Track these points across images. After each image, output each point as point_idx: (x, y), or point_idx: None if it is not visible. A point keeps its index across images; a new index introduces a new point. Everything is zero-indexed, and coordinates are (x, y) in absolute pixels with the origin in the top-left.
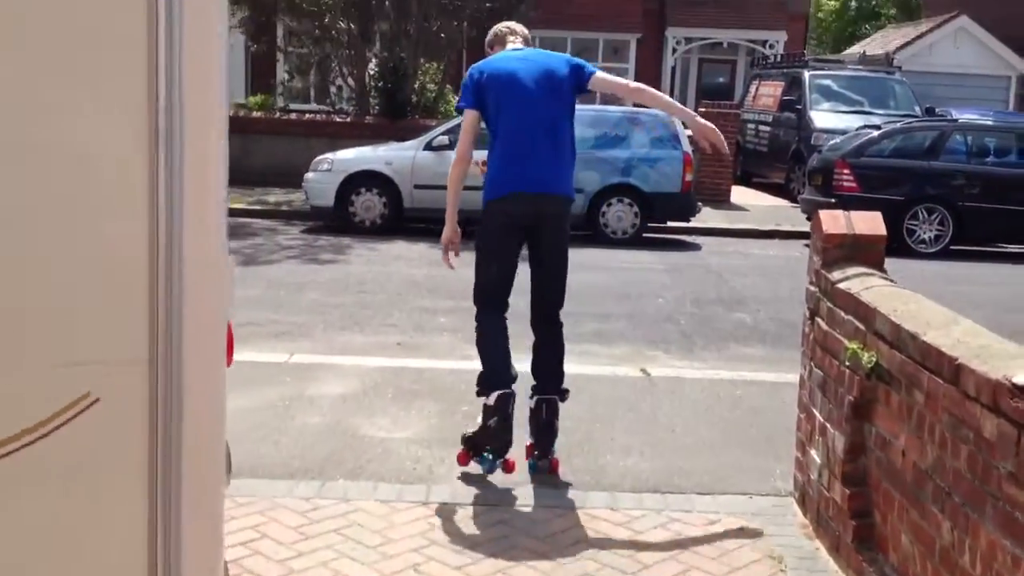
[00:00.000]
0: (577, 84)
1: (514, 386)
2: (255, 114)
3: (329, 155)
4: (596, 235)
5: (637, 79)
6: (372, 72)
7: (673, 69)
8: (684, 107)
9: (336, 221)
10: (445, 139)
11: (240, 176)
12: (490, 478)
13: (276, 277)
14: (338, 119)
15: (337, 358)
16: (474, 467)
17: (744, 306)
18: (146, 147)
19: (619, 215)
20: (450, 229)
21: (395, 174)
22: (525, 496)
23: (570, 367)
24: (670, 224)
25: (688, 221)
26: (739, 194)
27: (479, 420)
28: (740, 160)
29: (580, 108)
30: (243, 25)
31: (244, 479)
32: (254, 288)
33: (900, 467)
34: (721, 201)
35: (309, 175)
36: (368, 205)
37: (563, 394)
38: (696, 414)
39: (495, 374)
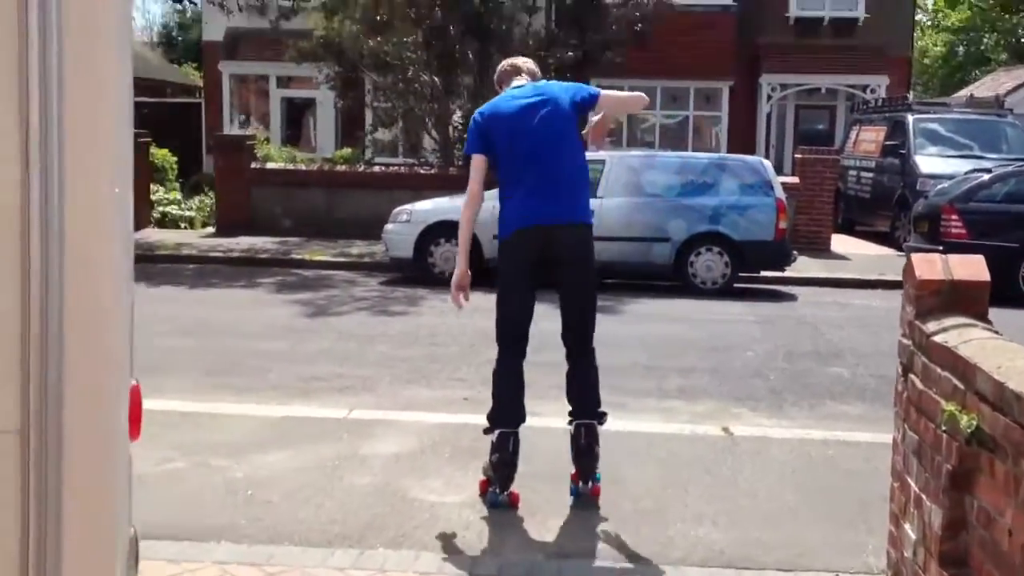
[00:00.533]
0: (582, 107)
1: (521, 427)
2: (339, 168)
3: (408, 206)
4: (685, 285)
5: (730, 127)
6: (456, 124)
7: (768, 116)
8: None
9: (415, 272)
10: None
11: (325, 229)
12: (544, 546)
13: (346, 329)
14: (422, 171)
15: (398, 414)
16: (524, 536)
17: (841, 360)
18: (17, 172)
19: (708, 265)
20: (461, 270)
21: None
22: (579, 570)
23: (648, 425)
24: (764, 274)
25: (782, 271)
26: (840, 243)
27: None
28: (841, 207)
29: (665, 155)
30: (329, 81)
31: (279, 546)
32: (323, 341)
33: (1007, 549)
34: (820, 250)
35: (388, 226)
36: (447, 256)
37: (601, 417)
38: (781, 478)
39: (501, 412)
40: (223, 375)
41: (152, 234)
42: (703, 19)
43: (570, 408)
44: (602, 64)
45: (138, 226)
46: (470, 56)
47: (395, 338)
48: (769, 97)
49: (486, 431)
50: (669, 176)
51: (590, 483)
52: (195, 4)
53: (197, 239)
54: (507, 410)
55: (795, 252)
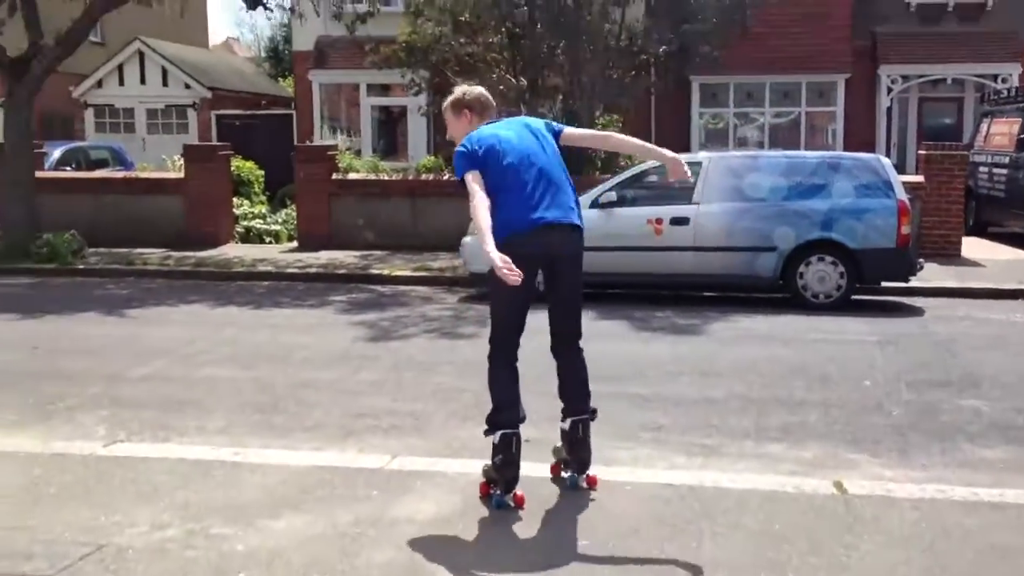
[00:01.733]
0: (554, 133)
1: (521, 427)
2: (422, 177)
3: None
4: (794, 300)
5: (847, 123)
6: None
7: (888, 110)
8: (653, 146)
9: None
10: (613, 195)
11: (409, 241)
12: None
13: (407, 356)
14: None
15: (447, 462)
16: None
17: (979, 390)
18: None
19: (820, 276)
20: (494, 249)
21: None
22: None
23: (742, 477)
24: (885, 285)
25: (906, 281)
26: (973, 247)
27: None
28: (972, 208)
29: (770, 154)
30: (413, 86)
31: None
32: (380, 369)
33: None
34: (950, 256)
35: (466, 239)
36: None
37: (593, 413)
38: (909, 560)
39: (502, 414)
40: (261, 412)
41: (231, 250)
42: (815, 7)
43: (564, 406)
44: (702, 59)
45: (219, 242)
46: (559, 54)
47: (459, 366)
48: (889, 90)
49: (486, 433)
50: (775, 178)
51: (586, 473)
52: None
53: (277, 254)
54: (508, 410)
55: (921, 260)
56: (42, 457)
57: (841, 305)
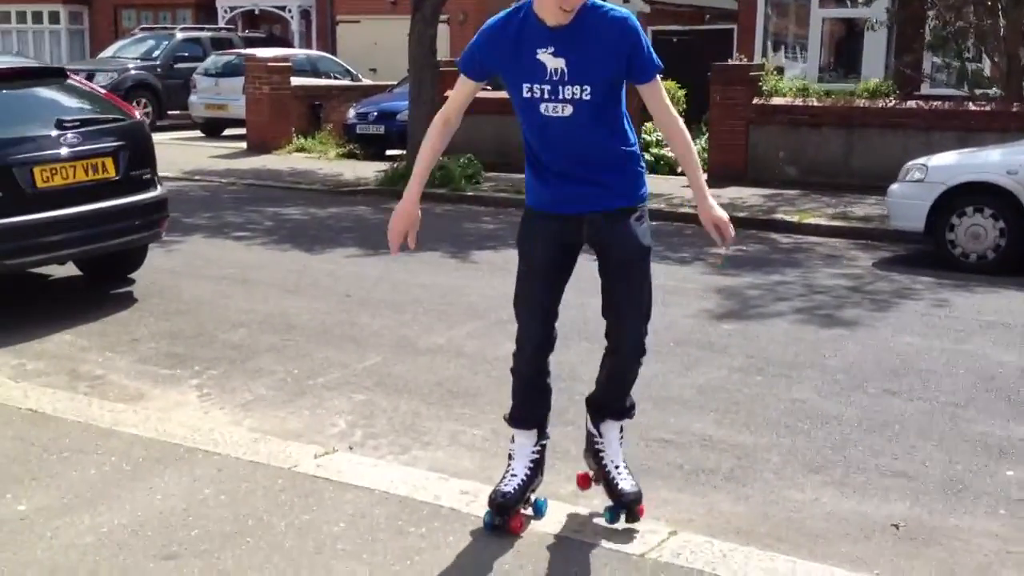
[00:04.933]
0: None
1: None
2: (860, 103)
3: (922, 160)
4: None
5: None
6: None
7: None
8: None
9: (928, 250)
10: None
11: (840, 180)
12: None
13: (767, 346)
14: (974, 107)
15: (750, 557)
16: None
17: None
18: None
19: None
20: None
21: (1020, 188)
22: None
23: None
24: None
25: None
26: None
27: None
28: None
29: None
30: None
31: None
32: (717, 368)
33: None
34: None
35: (894, 187)
36: (975, 232)
37: None
38: None
39: None
40: None
41: None
42: None
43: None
44: None
45: None
46: None
47: (833, 373)
48: None
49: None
50: None
51: None
52: None
53: (679, 188)
54: None
55: None
56: (235, 466)
57: None
